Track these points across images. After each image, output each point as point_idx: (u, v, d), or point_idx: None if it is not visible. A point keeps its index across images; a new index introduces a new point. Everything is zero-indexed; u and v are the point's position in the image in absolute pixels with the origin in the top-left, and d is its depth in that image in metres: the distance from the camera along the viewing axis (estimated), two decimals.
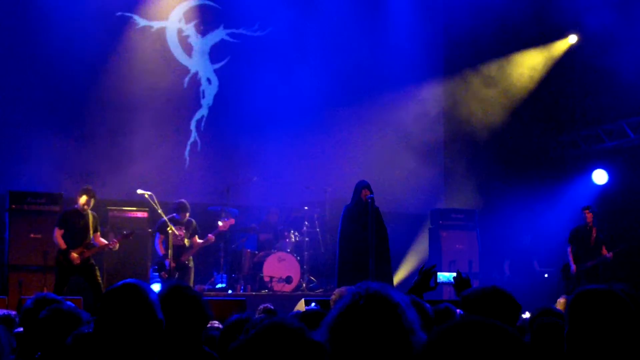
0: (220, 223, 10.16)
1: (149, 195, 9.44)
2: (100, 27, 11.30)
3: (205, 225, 10.25)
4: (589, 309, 2.27)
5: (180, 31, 12.30)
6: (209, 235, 9.93)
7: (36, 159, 10.59)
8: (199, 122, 12.35)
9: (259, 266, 10.79)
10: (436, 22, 13.67)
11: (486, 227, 12.44)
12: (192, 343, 2.69)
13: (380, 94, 12.78)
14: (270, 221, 11.68)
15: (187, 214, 9.72)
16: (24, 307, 3.94)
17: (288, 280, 10.70)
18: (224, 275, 10.94)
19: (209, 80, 12.50)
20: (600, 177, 12.03)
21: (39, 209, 9.79)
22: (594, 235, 10.41)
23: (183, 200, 9.76)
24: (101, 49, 11.38)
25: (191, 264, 9.82)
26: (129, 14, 11.80)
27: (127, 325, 2.30)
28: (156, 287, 8.57)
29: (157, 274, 9.79)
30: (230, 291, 10.61)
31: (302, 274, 10.94)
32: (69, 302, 3.69)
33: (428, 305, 3.56)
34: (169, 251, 9.41)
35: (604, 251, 10.34)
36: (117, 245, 9.05)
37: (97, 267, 8.95)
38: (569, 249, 10.52)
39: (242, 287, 10.79)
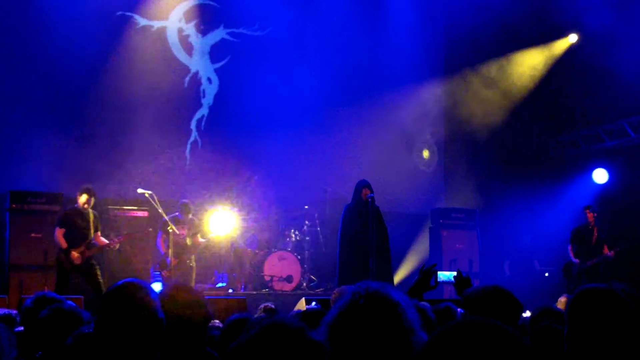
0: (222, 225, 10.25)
1: (150, 195, 9.46)
2: (101, 27, 11.29)
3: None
4: (588, 308, 2.27)
5: (180, 31, 12.30)
6: (210, 236, 9.99)
7: (36, 159, 10.59)
8: (199, 121, 12.36)
9: (259, 265, 10.79)
10: (436, 22, 13.67)
11: (486, 227, 12.46)
12: (194, 344, 2.69)
13: (380, 93, 12.78)
14: (271, 220, 11.69)
15: (190, 214, 9.81)
16: (24, 306, 3.94)
17: (289, 279, 10.71)
18: (225, 274, 10.95)
19: (209, 79, 12.51)
20: (600, 176, 12.03)
21: (39, 208, 9.81)
22: (596, 234, 10.42)
23: (186, 200, 9.93)
24: (101, 48, 11.38)
25: (193, 263, 9.85)
26: (129, 14, 11.80)
27: (127, 325, 2.30)
28: (157, 286, 8.59)
29: (158, 272, 9.82)
30: (230, 290, 10.62)
31: (303, 273, 10.95)
32: (69, 302, 3.69)
33: (428, 305, 3.56)
34: (170, 250, 9.43)
35: (606, 250, 10.34)
36: (118, 245, 9.07)
37: (97, 267, 8.95)
38: (570, 248, 10.52)
39: (242, 286, 10.79)
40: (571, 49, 12.83)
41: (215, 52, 12.52)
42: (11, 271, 9.52)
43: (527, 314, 4.11)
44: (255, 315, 4.33)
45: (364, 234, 8.73)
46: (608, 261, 10.37)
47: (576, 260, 10.38)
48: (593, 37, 11.84)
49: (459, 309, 3.95)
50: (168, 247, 9.48)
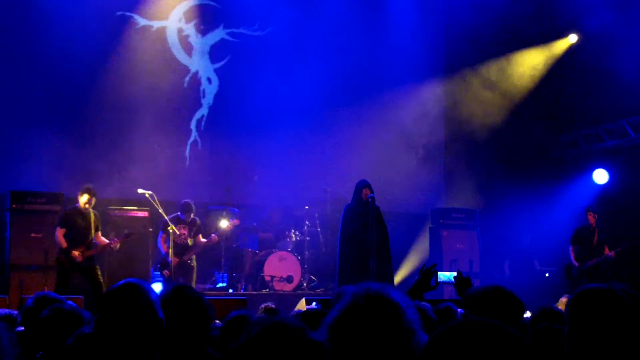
0: (224, 225, 10.21)
1: (150, 195, 9.46)
2: (101, 27, 11.30)
3: (205, 225, 10.27)
4: (588, 308, 2.27)
5: (180, 31, 12.30)
6: (213, 235, 9.99)
7: (36, 159, 10.59)
8: (199, 121, 12.36)
9: (259, 265, 10.80)
10: (437, 22, 13.66)
11: (486, 227, 12.45)
12: (195, 345, 2.68)
13: (380, 93, 12.77)
14: (271, 220, 11.69)
15: (192, 214, 9.84)
16: (24, 306, 3.94)
17: (289, 279, 10.71)
18: (225, 275, 10.96)
19: (209, 79, 12.51)
20: (600, 176, 12.02)
21: (39, 208, 9.81)
22: (597, 236, 10.42)
23: (188, 200, 9.93)
24: (101, 48, 11.38)
25: (194, 263, 9.87)
26: (129, 14, 11.81)
27: (127, 325, 2.30)
28: (157, 286, 8.59)
29: (158, 272, 9.84)
30: (231, 290, 10.63)
31: (303, 274, 10.95)
32: (69, 302, 3.69)
33: (429, 305, 3.56)
34: (171, 250, 9.44)
35: (606, 251, 10.34)
36: (118, 245, 9.07)
37: (98, 267, 8.95)
38: (571, 249, 10.52)
39: (243, 287, 10.80)
40: (571, 49, 12.83)
41: (215, 52, 12.52)
42: (11, 271, 9.52)
43: (528, 314, 4.11)
44: (256, 316, 4.33)
45: (364, 234, 8.73)
46: (609, 261, 10.37)
47: (576, 264, 10.39)
48: (593, 37, 11.84)
49: (459, 309, 3.95)
50: (169, 247, 9.49)
